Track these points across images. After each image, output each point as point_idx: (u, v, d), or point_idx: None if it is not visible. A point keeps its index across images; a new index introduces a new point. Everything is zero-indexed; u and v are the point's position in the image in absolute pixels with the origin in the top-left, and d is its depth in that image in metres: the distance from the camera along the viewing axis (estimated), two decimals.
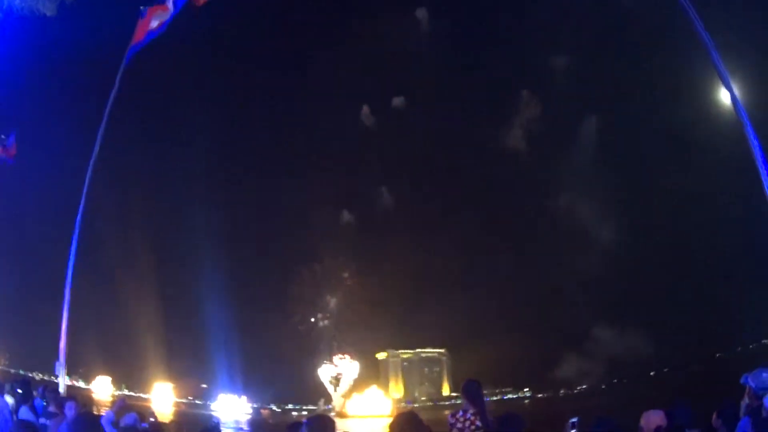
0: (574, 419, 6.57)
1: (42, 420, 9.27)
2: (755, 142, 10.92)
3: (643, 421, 6.67)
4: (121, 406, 10.27)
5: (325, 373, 67.03)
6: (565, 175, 62.39)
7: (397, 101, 71.73)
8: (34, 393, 11.87)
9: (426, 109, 65.80)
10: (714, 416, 6.93)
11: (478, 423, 7.03)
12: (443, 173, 67.06)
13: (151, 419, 9.72)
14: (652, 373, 54.56)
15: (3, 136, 19.18)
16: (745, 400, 6.88)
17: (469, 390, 7.27)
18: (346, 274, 68.54)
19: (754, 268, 42.22)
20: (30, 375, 38.74)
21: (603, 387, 57.46)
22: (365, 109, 72.15)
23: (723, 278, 46.80)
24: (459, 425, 7.12)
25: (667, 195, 53.39)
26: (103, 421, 9.49)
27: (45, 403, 10.38)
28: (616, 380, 57.11)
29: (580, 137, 61.99)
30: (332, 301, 68.76)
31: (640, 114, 55.71)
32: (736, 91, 11.53)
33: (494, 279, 58.94)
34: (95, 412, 11.16)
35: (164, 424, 8.35)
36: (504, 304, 57.13)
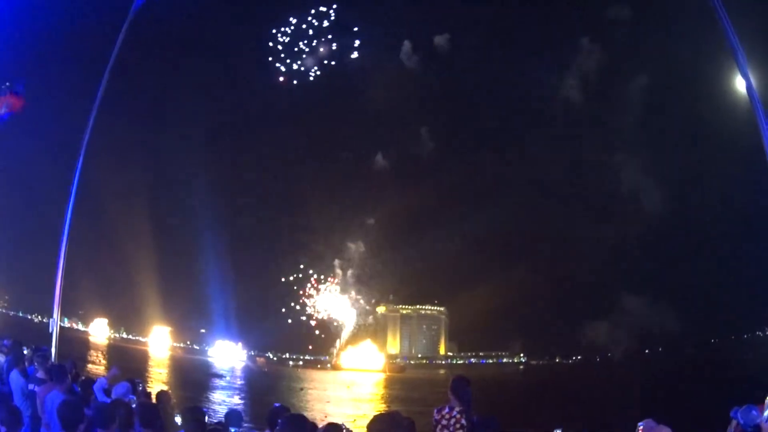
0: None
1: (30, 386, 9.15)
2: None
3: None
4: (114, 374, 10.29)
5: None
6: (614, 133, 59.56)
7: (440, 39, 66.44)
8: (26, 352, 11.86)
9: (472, 49, 61.86)
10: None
11: (463, 421, 7.06)
12: (484, 120, 63.70)
13: (140, 389, 9.66)
14: (646, 351, 54.22)
15: (8, 84, 18.63)
16: None
17: (458, 388, 7.31)
18: (371, 221, 66.74)
19: None
20: (29, 317, 39.18)
21: (597, 360, 57.44)
22: (406, 45, 66.60)
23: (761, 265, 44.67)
24: (444, 422, 7.14)
25: (719, 170, 50.66)
26: (95, 387, 9.56)
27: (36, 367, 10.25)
28: (609, 354, 56.99)
29: (632, 94, 58.78)
30: (352, 248, 67.37)
31: (695, 82, 52.41)
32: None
33: (517, 241, 57.53)
34: (86, 383, 11.09)
35: (150, 397, 8.31)
36: (523, 265, 55.94)
